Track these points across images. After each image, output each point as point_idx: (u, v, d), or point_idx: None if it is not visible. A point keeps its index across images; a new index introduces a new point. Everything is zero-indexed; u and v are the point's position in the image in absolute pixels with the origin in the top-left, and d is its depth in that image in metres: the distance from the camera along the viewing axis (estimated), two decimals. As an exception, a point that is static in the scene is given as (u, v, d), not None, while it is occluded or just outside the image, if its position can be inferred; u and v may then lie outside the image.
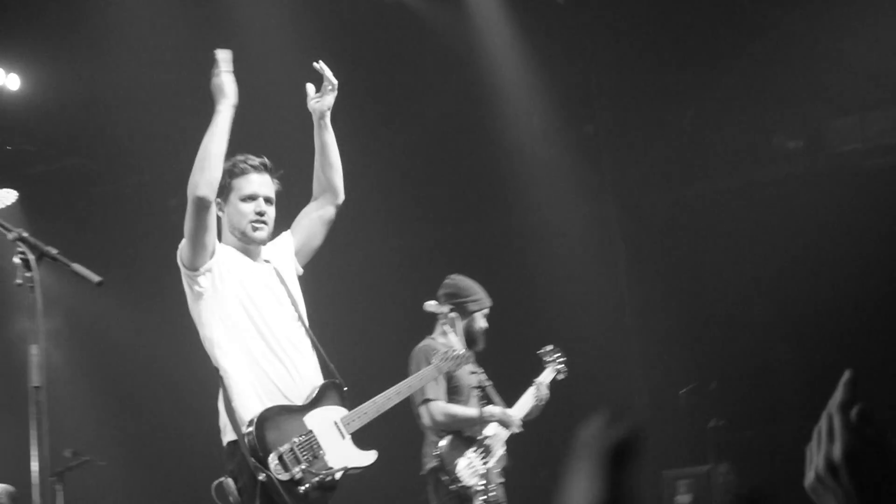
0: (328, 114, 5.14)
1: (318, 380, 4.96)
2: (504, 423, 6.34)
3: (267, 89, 8.33)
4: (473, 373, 6.28)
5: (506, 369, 6.73)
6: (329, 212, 5.20)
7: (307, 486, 4.64)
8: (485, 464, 6.20)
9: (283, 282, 5.04)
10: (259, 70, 8.30)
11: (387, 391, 5.15)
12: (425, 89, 9.91)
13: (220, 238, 4.96)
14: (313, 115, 5.17)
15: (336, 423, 4.88)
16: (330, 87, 5.13)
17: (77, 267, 3.69)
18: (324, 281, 9.99)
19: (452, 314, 6.34)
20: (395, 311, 8.82)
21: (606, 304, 10.00)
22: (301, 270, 5.22)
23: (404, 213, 10.04)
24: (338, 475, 4.78)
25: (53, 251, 3.68)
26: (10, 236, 3.65)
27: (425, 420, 6.24)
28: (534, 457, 7.73)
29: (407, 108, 10.06)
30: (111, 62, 9.28)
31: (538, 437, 7.12)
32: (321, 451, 4.75)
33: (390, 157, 9.98)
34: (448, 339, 6.35)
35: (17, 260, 3.59)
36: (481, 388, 6.30)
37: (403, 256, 10.03)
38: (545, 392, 6.66)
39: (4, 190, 10.07)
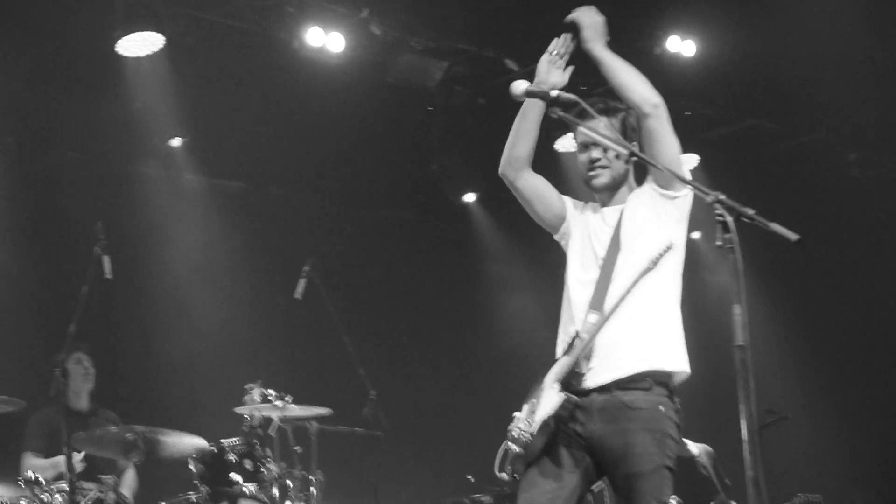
0: (595, 48, 4.64)
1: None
2: None
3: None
4: None
5: None
6: (645, 125, 4.65)
7: (516, 446, 4.58)
8: None
9: (616, 225, 4.71)
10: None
11: None
12: None
13: None
14: None
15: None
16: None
17: (775, 226, 3.69)
18: None
19: None
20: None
21: None
22: (672, 193, 4.68)
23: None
24: (535, 428, 4.56)
25: (750, 211, 3.72)
26: (709, 199, 3.76)
27: None
28: None
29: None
30: (783, 19, 9.29)
31: None
32: (537, 406, 4.61)
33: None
34: None
35: (717, 220, 3.70)
36: None
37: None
38: None
39: (687, 154, 10.47)
